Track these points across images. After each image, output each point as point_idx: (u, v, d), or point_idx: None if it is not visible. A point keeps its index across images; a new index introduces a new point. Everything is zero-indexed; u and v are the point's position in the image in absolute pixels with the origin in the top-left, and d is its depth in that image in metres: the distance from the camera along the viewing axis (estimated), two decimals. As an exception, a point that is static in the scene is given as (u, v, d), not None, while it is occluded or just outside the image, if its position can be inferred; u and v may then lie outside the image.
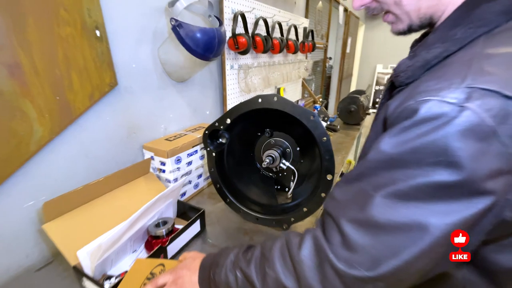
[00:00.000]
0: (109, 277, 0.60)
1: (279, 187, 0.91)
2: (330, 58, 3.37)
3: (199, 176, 0.95)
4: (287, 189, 0.90)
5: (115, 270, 0.62)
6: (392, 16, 0.40)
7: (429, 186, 0.26)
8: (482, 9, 0.31)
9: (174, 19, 0.75)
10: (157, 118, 0.91)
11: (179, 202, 0.80)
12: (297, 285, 0.34)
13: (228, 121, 0.76)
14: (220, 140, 0.82)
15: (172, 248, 0.65)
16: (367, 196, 0.30)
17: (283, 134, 0.85)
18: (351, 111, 1.64)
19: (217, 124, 0.77)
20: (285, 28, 1.44)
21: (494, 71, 0.26)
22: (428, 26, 0.39)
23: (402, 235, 0.28)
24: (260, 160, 0.89)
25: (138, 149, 0.86)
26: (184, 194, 0.89)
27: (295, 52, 1.53)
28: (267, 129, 0.86)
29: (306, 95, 2.35)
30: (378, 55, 4.69)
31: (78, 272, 0.55)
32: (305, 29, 1.69)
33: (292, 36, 1.54)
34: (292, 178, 0.88)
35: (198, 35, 0.78)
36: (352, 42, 3.77)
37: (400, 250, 0.28)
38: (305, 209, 0.73)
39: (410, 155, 0.27)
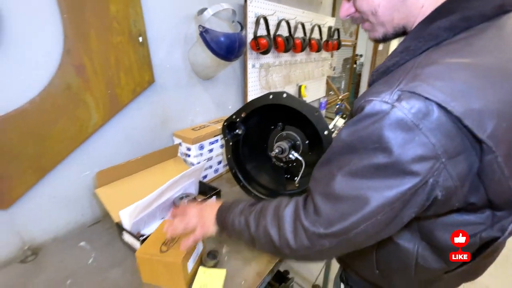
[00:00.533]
0: (142, 235, 0.75)
1: (289, 176, 1.00)
2: (360, 56, 3.29)
3: (219, 162, 1.08)
4: (296, 178, 0.98)
5: (146, 231, 0.77)
6: (369, 24, 0.46)
7: (371, 166, 0.33)
8: (434, 25, 0.36)
9: (202, 26, 0.87)
10: (186, 111, 1.06)
11: (200, 183, 0.93)
12: (278, 233, 0.43)
13: (243, 114, 0.87)
14: (237, 131, 0.94)
15: (191, 218, 0.79)
16: (332, 175, 0.37)
17: (294, 128, 0.94)
18: (373, 109, 1.64)
19: (234, 117, 0.89)
20: (308, 27, 1.50)
21: (424, 78, 0.31)
22: (403, 34, 0.44)
23: (350, 204, 0.35)
24: (271, 151, 0.98)
25: (169, 136, 1.01)
26: (205, 177, 1.03)
27: (318, 51, 1.58)
28: (279, 123, 0.95)
29: (331, 93, 2.37)
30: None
31: (120, 227, 0.71)
32: (329, 28, 1.72)
33: (316, 35, 1.59)
34: (300, 169, 0.96)
35: (222, 39, 0.90)
36: (386, 38, 3.62)
37: (348, 215, 0.35)
38: (307, 195, 0.81)
39: (358, 142, 0.35)
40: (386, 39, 0.45)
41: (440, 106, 0.30)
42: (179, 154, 0.99)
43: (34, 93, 0.65)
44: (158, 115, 0.96)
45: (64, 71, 0.69)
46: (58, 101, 0.69)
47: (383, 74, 0.40)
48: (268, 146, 1.00)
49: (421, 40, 0.37)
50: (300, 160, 0.91)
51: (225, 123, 0.91)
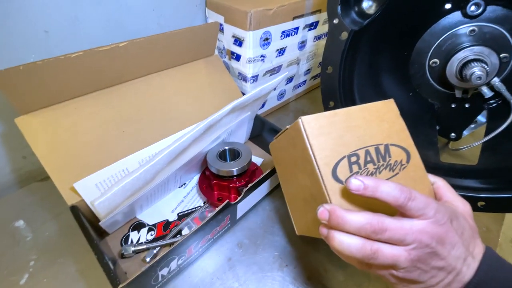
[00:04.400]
0: (138, 226, 0.34)
1: (438, 128, 0.48)
2: None
3: (289, 80, 0.56)
4: (453, 135, 0.48)
5: (149, 214, 0.36)
6: None
7: None
8: None
9: None
10: None
11: (256, 118, 0.45)
12: None
13: None
14: (366, 3, 0.37)
15: (243, 206, 0.35)
16: None
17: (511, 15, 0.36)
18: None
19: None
20: None
21: None
22: None
23: None
24: (420, 69, 0.44)
25: (197, 5, 0.47)
26: (263, 105, 0.54)
27: None
28: (479, -4, 0.36)
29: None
30: None
31: (78, 218, 0.28)
32: None
33: None
34: (484, 118, 0.44)
35: None
36: None
37: None
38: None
39: None
40: None
41: None
42: (216, 52, 0.47)
43: None
44: None
45: None
46: None
47: None
48: (413, 55, 0.44)
49: None
50: (502, 101, 0.38)
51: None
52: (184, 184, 0.41)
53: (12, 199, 0.38)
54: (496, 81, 0.37)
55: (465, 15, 0.39)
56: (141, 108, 0.35)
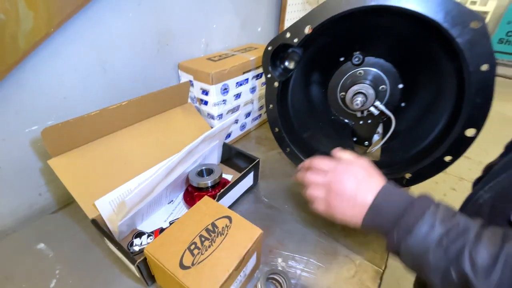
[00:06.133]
0: (140, 234, 0.45)
1: (355, 139, 0.67)
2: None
3: (247, 114, 0.73)
4: (366, 143, 0.66)
5: (146, 226, 0.47)
6: None
7: None
8: None
9: None
10: (197, 27, 0.66)
11: (224, 145, 0.60)
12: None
13: (307, 30, 0.49)
14: (287, 63, 0.56)
15: (220, 207, 0.48)
16: None
17: (381, 62, 0.57)
18: None
19: (288, 35, 0.50)
20: None
21: None
22: None
23: None
24: (334, 100, 0.63)
25: (172, 69, 0.63)
26: (229, 135, 0.69)
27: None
28: (357, 53, 0.57)
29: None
30: None
31: (99, 227, 0.39)
32: None
33: None
34: (380, 129, 0.63)
35: None
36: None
37: None
38: (408, 175, 0.50)
39: None
40: None
41: None
42: (189, 100, 0.63)
43: None
44: (154, 28, 0.56)
45: None
46: None
47: None
48: (328, 92, 0.64)
49: None
50: (387, 117, 0.57)
51: (269, 48, 0.53)
52: (172, 200, 0.53)
53: (31, 229, 0.47)
54: (378, 104, 0.57)
55: (353, 64, 0.60)
56: (137, 145, 0.49)
